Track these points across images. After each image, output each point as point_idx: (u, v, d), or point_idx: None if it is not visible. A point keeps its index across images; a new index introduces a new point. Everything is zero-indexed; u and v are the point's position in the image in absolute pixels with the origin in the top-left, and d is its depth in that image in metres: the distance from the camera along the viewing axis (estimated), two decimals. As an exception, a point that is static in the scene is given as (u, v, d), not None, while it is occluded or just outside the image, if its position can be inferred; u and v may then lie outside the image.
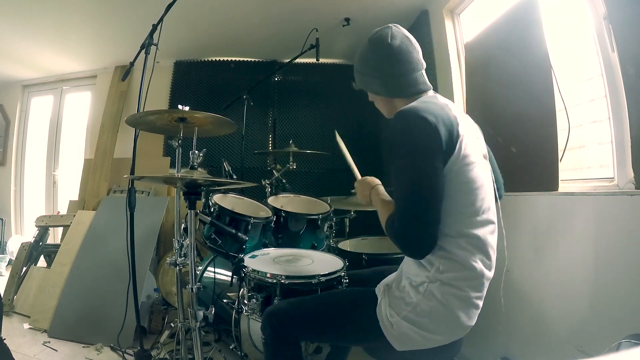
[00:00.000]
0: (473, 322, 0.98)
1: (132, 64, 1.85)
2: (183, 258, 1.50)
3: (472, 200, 0.95)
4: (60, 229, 3.23)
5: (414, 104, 0.98)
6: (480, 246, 0.95)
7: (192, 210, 1.37)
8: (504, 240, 1.07)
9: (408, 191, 0.92)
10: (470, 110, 2.13)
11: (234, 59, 3.64)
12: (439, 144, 0.91)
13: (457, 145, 0.92)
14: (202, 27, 3.06)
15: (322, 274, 1.29)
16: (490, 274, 0.99)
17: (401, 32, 1.06)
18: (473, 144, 0.98)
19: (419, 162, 0.91)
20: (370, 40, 1.07)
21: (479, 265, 0.95)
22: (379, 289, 1.04)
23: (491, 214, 1.00)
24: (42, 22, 2.83)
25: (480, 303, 0.98)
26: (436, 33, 2.51)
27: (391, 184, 1.01)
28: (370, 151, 3.60)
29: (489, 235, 0.98)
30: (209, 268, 1.96)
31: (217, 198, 1.83)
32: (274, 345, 1.08)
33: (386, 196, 1.08)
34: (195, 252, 1.40)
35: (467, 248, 0.94)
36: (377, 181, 1.15)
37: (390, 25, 1.07)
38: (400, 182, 0.93)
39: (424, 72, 1.07)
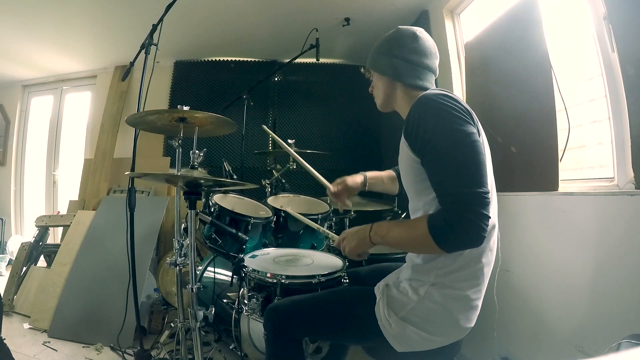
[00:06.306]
0: (472, 324, 0.98)
1: (132, 64, 1.85)
2: (183, 258, 1.50)
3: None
4: (60, 229, 3.23)
5: (428, 90, 1.00)
6: (483, 244, 0.93)
7: (193, 210, 1.37)
8: (498, 241, 1.06)
9: (458, 159, 0.86)
10: (470, 110, 2.13)
11: (234, 59, 3.64)
12: (468, 115, 0.92)
13: (476, 124, 0.93)
14: (202, 27, 3.06)
15: (322, 273, 1.29)
16: (489, 272, 0.98)
17: (429, 37, 1.10)
18: (482, 131, 0.99)
19: (458, 126, 0.88)
20: (398, 28, 1.10)
21: (480, 264, 0.94)
22: (378, 288, 1.04)
23: (494, 208, 0.99)
24: (42, 22, 2.83)
25: (480, 304, 0.98)
26: (436, 33, 2.50)
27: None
28: (370, 150, 3.61)
29: (491, 231, 0.97)
30: (209, 268, 1.96)
31: (217, 198, 1.83)
32: (275, 341, 1.09)
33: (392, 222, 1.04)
34: (195, 252, 1.40)
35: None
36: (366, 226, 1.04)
37: (421, 28, 1.11)
38: (442, 155, 0.88)
39: (434, 78, 1.09)
